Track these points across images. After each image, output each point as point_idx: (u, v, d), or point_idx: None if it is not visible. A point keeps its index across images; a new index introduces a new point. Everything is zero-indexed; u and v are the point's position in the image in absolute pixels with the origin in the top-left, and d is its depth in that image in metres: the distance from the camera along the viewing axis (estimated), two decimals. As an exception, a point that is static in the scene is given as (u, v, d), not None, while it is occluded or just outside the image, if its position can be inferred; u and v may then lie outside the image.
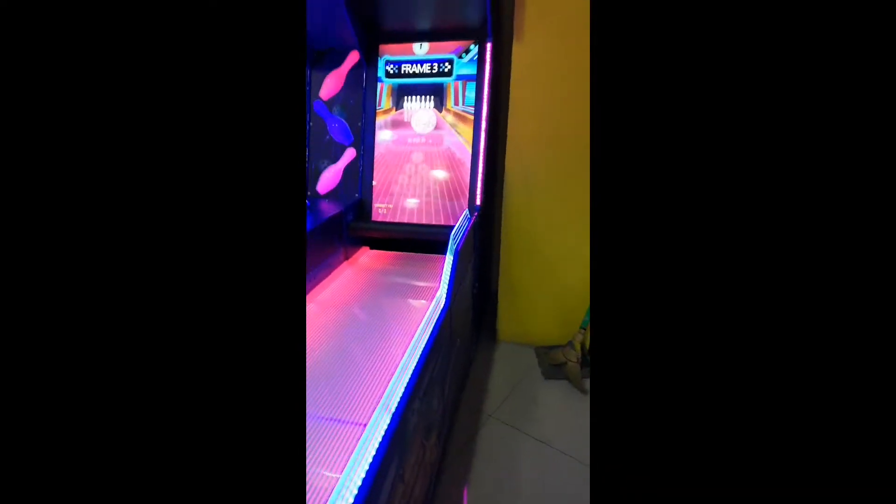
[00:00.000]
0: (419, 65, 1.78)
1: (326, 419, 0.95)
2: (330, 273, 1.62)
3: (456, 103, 1.75)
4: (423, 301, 1.49)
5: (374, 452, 0.70)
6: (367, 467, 0.67)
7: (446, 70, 1.75)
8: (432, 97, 1.78)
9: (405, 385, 0.86)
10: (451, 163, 1.78)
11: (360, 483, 0.65)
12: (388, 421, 0.78)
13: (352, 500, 0.62)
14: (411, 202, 1.81)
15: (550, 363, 1.71)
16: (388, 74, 1.81)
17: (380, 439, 0.73)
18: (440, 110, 1.77)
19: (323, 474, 0.79)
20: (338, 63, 1.84)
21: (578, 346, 1.68)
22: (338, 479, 0.67)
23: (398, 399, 0.83)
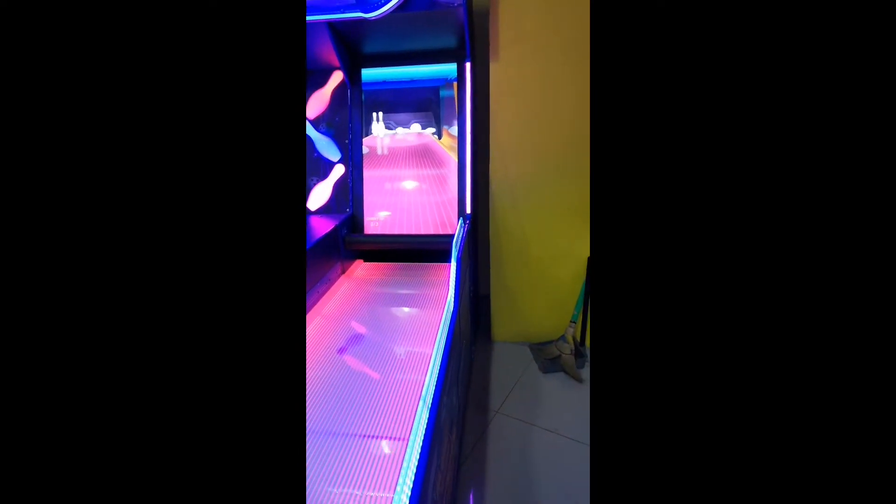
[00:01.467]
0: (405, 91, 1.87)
1: (363, 436, 0.99)
2: (330, 287, 1.66)
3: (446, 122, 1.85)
4: (426, 309, 1.55)
5: (421, 440, 0.76)
6: (418, 454, 0.73)
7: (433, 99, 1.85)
8: (422, 118, 1.86)
9: (436, 381, 0.93)
10: (437, 174, 1.86)
11: (415, 470, 0.71)
12: (427, 415, 0.84)
13: (412, 476, 0.68)
14: (401, 214, 1.88)
15: (546, 357, 1.80)
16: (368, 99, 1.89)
17: (423, 430, 0.79)
18: (437, 132, 1.85)
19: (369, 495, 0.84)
20: (321, 84, 1.90)
21: (571, 339, 1.79)
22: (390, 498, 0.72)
23: (433, 392, 0.89)
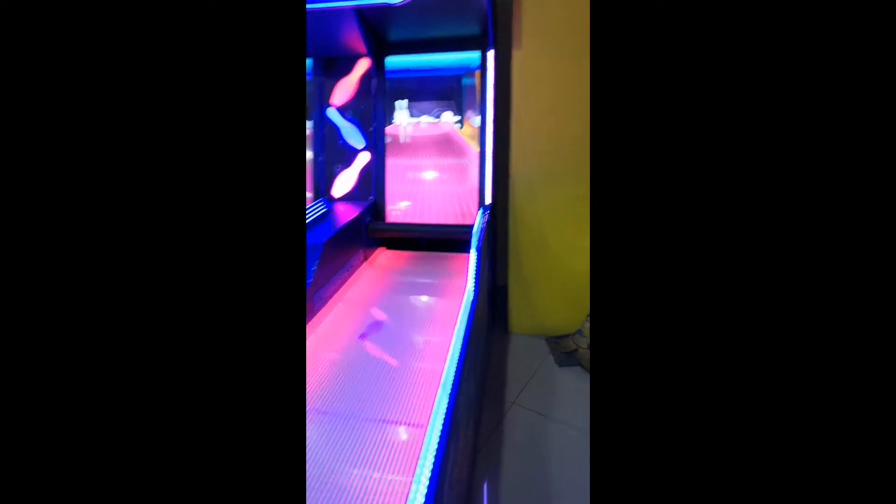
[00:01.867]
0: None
1: (384, 421, 1.01)
2: (352, 273, 1.69)
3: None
4: (446, 299, 1.56)
5: (441, 426, 0.78)
6: (438, 439, 0.75)
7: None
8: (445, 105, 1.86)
9: (455, 369, 0.94)
10: (458, 164, 1.86)
11: (433, 459, 0.73)
12: (446, 402, 0.86)
13: (431, 460, 0.70)
14: (422, 203, 1.88)
15: (562, 351, 1.80)
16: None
17: (443, 416, 0.81)
18: (460, 119, 1.85)
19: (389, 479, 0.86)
20: (348, 70, 1.90)
21: (588, 333, 1.78)
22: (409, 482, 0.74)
23: (452, 379, 0.91)
